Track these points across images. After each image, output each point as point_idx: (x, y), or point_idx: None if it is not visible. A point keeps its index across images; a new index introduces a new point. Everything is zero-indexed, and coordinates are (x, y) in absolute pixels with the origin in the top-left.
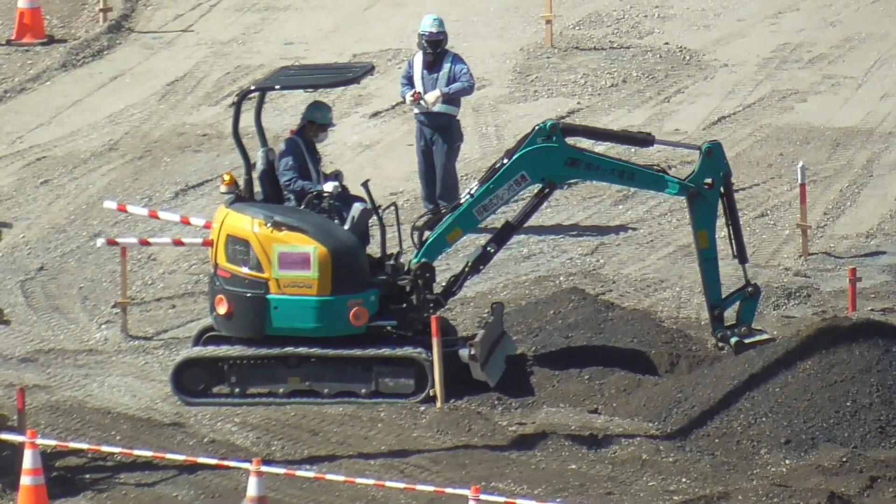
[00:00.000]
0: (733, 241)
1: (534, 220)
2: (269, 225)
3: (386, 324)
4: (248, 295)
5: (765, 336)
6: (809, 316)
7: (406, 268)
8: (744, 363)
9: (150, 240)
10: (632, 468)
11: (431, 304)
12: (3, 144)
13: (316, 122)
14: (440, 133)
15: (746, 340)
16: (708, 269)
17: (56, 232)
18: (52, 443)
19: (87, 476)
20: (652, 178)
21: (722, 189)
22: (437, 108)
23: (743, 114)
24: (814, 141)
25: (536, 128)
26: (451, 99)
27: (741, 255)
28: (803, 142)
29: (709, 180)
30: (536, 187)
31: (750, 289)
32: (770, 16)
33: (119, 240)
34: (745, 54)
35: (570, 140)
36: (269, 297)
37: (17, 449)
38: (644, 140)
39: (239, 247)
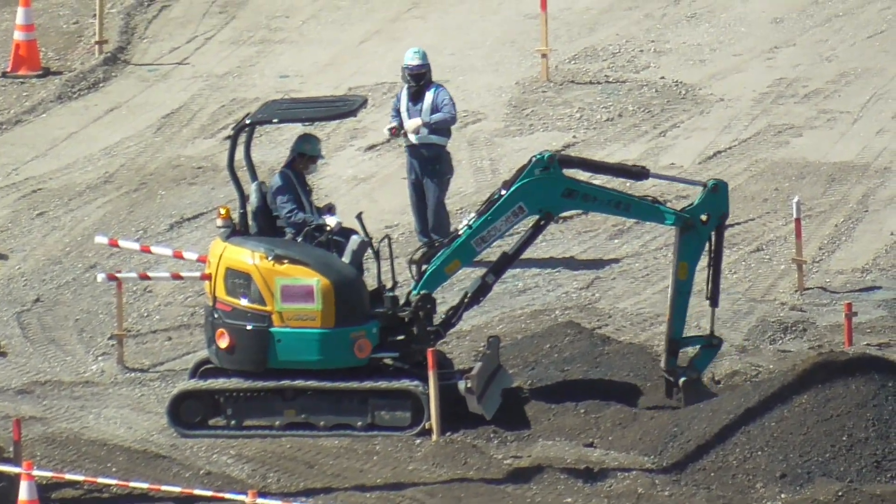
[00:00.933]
0: (710, 283)
1: (529, 254)
2: (270, 258)
3: (387, 356)
4: (251, 328)
5: (710, 391)
6: (805, 350)
7: (406, 300)
8: (740, 397)
9: (150, 274)
10: (628, 502)
11: (432, 336)
12: None
13: (306, 155)
14: (429, 165)
15: (698, 388)
16: (679, 301)
17: (52, 264)
18: (49, 474)
19: None
20: (648, 209)
21: (714, 229)
22: (423, 138)
23: (738, 148)
24: (809, 176)
25: (534, 158)
26: (439, 129)
27: (714, 298)
28: (799, 177)
29: (704, 217)
30: (532, 219)
31: (714, 340)
32: (766, 51)
33: (119, 275)
34: (741, 89)
35: (566, 172)
36: (272, 330)
37: (14, 481)
38: (639, 173)
39: (239, 280)
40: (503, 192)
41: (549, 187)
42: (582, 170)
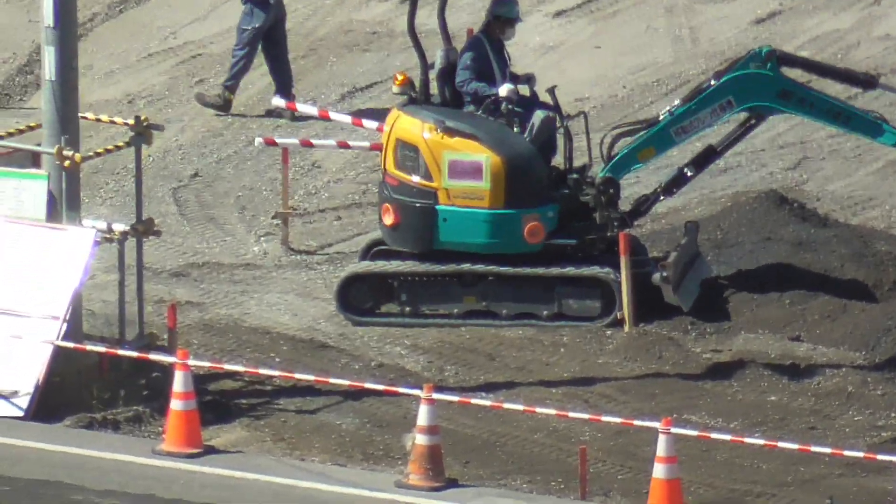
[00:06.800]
0: None
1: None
2: (439, 130)
3: (564, 242)
4: (417, 205)
5: None
6: None
7: (593, 182)
8: None
9: (314, 141)
10: (836, 401)
11: (616, 223)
12: (155, 41)
13: (502, 17)
14: None
15: None
16: None
17: (212, 136)
18: (206, 364)
19: (243, 401)
20: (870, 126)
21: None
22: None
23: None
24: None
25: (752, 52)
26: None
27: None
28: None
29: None
30: (742, 116)
31: None
32: None
33: (279, 140)
34: None
35: (785, 70)
36: (437, 207)
37: (168, 371)
38: (867, 82)
39: (408, 153)
40: (713, 81)
41: (763, 84)
42: (804, 70)
